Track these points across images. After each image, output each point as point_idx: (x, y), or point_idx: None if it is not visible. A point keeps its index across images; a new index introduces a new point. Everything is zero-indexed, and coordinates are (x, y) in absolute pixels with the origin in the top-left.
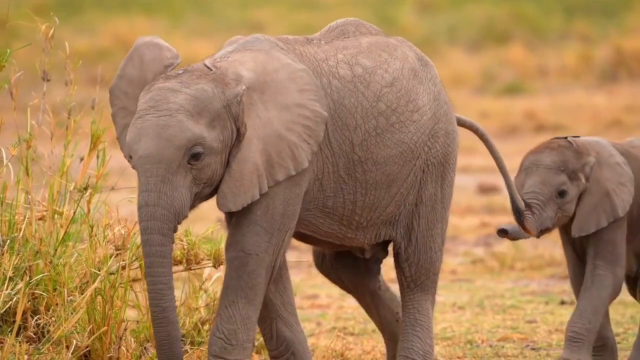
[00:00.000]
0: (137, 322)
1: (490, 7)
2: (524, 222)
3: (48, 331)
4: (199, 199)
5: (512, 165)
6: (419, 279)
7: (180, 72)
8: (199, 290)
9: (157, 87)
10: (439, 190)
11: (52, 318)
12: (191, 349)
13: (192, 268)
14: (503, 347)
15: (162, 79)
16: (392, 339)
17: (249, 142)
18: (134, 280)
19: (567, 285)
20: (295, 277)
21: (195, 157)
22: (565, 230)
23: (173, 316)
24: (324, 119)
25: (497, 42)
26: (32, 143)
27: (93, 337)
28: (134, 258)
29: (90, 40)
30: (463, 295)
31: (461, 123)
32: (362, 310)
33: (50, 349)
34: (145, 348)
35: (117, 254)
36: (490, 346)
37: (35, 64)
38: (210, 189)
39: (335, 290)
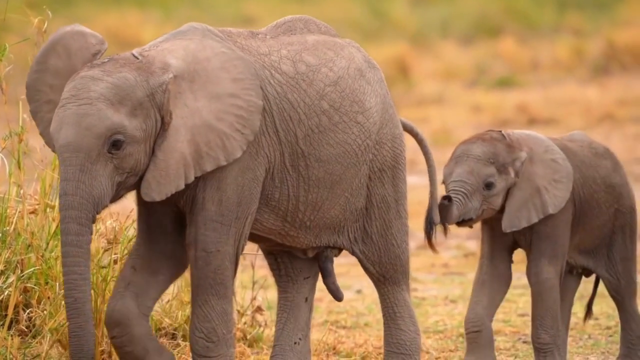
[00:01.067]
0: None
1: (482, 0)
2: (430, 238)
3: (40, 325)
4: (123, 188)
5: None
6: (387, 274)
7: (106, 60)
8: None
9: (80, 75)
10: (391, 192)
11: (44, 311)
12: (183, 342)
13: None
14: (495, 340)
15: (87, 68)
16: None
17: (176, 131)
18: None
19: None
20: None
21: (116, 145)
22: (490, 225)
23: (85, 308)
24: (259, 108)
25: (489, 35)
26: (24, 137)
27: None
28: (125, 252)
29: None
30: (455, 289)
31: (402, 126)
32: (354, 304)
33: (42, 342)
34: None
35: (108, 248)
36: None
37: (27, 57)
38: (135, 179)
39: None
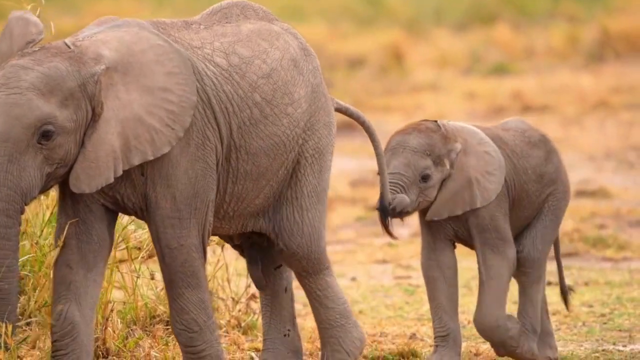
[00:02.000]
0: (124, 303)
1: None
2: (387, 225)
3: (34, 312)
4: (53, 179)
5: None
6: (309, 264)
7: (37, 49)
8: None
9: (10, 64)
10: (318, 180)
11: (39, 299)
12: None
13: None
14: None
15: (18, 56)
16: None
17: (106, 123)
18: (120, 261)
19: (552, 267)
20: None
21: (46, 136)
22: (425, 214)
23: (12, 299)
24: (192, 104)
25: (483, 22)
26: None
27: None
28: (120, 239)
29: (76, 21)
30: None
31: (348, 113)
32: (349, 291)
33: (37, 329)
34: (131, 329)
35: None
36: None
37: None
38: (65, 169)
39: None
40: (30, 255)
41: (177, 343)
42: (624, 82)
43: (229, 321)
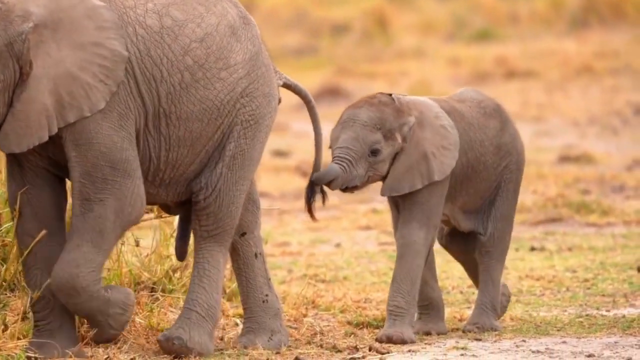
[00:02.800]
0: (108, 269)
1: None
2: (309, 206)
3: (18, 279)
4: None
5: None
6: (215, 230)
7: None
8: (170, 237)
9: None
10: (250, 148)
11: (21, 266)
12: (162, 296)
13: (163, 216)
14: (473, 293)
15: None
16: None
17: (37, 81)
18: None
19: (537, 232)
20: (266, 225)
21: None
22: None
23: None
24: (124, 59)
25: None
26: None
27: None
28: None
29: None
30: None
31: (297, 90)
32: (333, 257)
33: (19, 296)
34: None
35: None
36: (461, 292)
37: None
38: None
39: (306, 238)
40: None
41: (161, 310)
42: (608, 47)
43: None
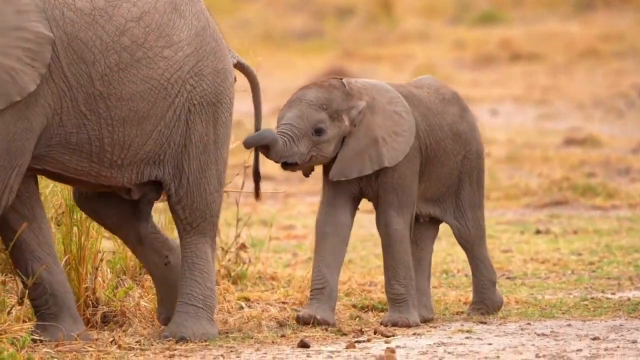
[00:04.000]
0: (114, 252)
1: None
2: (257, 189)
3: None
4: None
5: (488, 93)
6: (195, 221)
7: None
8: None
9: None
10: (211, 131)
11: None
12: None
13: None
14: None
15: None
16: (162, 283)
17: None
18: None
19: (542, 215)
20: (271, 208)
21: None
22: (326, 172)
23: None
24: (49, 40)
25: None
26: None
27: (68, 267)
28: None
29: None
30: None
31: (243, 68)
32: None
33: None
34: (121, 279)
35: None
36: (466, 275)
37: None
38: None
39: (312, 221)
40: None
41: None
42: (613, 30)
43: (218, 271)
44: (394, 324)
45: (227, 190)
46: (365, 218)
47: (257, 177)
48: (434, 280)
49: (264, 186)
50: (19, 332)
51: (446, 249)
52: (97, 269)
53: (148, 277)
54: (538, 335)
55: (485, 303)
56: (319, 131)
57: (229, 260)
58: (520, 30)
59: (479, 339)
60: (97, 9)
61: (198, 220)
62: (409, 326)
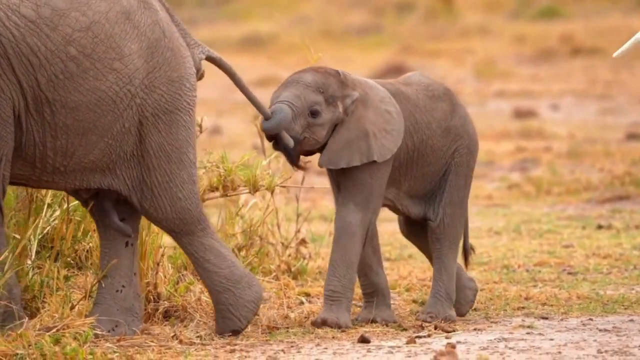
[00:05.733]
0: (175, 248)
1: None
2: (293, 160)
3: (86, 257)
4: None
5: (549, 88)
6: (177, 228)
7: None
8: (235, 216)
9: None
10: (170, 139)
11: (90, 244)
12: None
13: (229, 194)
14: (540, 271)
15: None
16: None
17: None
18: None
19: (604, 210)
20: (331, 204)
21: None
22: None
23: None
24: None
25: None
26: None
27: None
28: None
29: None
30: (499, 221)
31: (215, 61)
32: (398, 236)
33: (88, 274)
34: (182, 274)
35: None
36: (527, 271)
37: None
38: None
39: None
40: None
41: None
42: None
43: (278, 266)
44: (324, 321)
45: (286, 186)
46: None
47: (285, 150)
48: (494, 276)
49: (324, 182)
50: (82, 326)
51: (507, 244)
52: (158, 264)
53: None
54: (600, 330)
55: (436, 314)
56: (314, 113)
57: (289, 255)
58: (581, 24)
59: (540, 334)
60: (43, 17)
61: (180, 227)
62: (339, 326)
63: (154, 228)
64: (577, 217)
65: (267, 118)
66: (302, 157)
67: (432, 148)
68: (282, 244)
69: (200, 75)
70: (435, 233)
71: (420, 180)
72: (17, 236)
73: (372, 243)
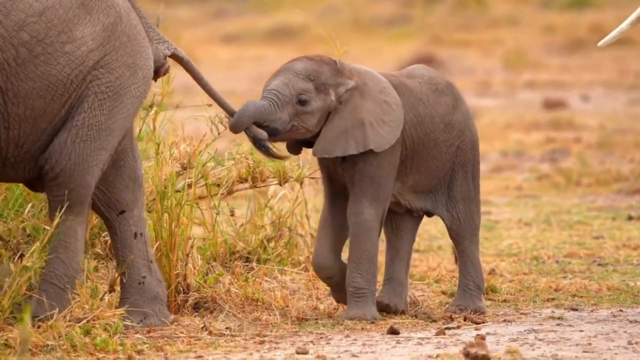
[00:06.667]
0: (204, 239)
1: None
2: (269, 154)
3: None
4: None
5: (579, 79)
6: (67, 194)
7: None
8: (264, 207)
9: None
10: (108, 119)
11: None
12: (257, 266)
13: (258, 186)
14: (569, 263)
15: None
16: None
17: None
18: (200, 197)
19: (634, 201)
20: None
21: None
22: (326, 166)
23: None
24: None
25: None
26: None
27: (160, 254)
28: (199, 176)
29: None
30: (529, 212)
31: (180, 60)
32: (427, 227)
33: (111, 266)
34: (211, 265)
35: (183, 172)
36: (557, 262)
37: None
38: None
39: None
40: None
41: (256, 279)
42: None
43: (307, 257)
44: (351, 320)
45: (315, 177)
46: None
47: (257, 142)
48: (524, 267)
49: None
50: (112, 317)
51: (537, 235)
52: (187, 255)
53: (238, 263)
54: (630, 322)
55: (465, 306)
56: (302, 101)
57: None
58: (611, 14)
59: (570, 325)
60: None
61: (72, 200)
62: (367, 321)
63: (183, 219)
64: (607, 208)
65: (232, 116)
66: (300, 148)
67: (436, 142)
68: (311, 235)
69: (164, 71)
70: (453, 230)
71: (424, 175)
72: (47, 227)
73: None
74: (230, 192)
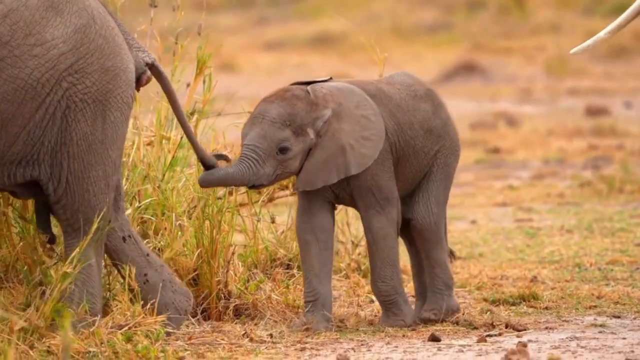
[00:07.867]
0: (245, 246)
1: None
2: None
3: (157, 255)
4: None
5: (622, 86)
6: (77, 223)
7: None
8: None
9: None
10: (98, 130)
11: (161, 242)
12: (298, 273)
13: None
14: (612, 270)
15: None
16: None
17: None
18: (241, 204)
19: None
20: None
21: None
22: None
23: None
24: None
25: None
26: None
27: (201, 260)
28: None
29: None
30: (571, 219)
31: (155, 70)
32: (469, 234)
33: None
34: (252, 272)
35: None
36: (599, 269)
37: None
38: None
39: None
40: (153, 199)
41: (297, 286)
42: None
43: (349, 264)
44: (391, 327)
45: None
46: (496, 211)
47: (205, 165)
48: (566, 274)
49: None
50: (153, 324)
51: (579, 243)
52: (229, 262)
53: (279, 270)
54: None
55: (438, 307)
56: (283, 150)
57: (359, 254)
58: None
59: (612, 333)
60: None
61: (79, 223)
62: (406, 326)
63: (224, 226)
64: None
65: (206, 168)
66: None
67: (414, 149)
68: (352, 242)
69: (146, 79)
70: (423, 233)
71: (405, 181)
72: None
73: (326, 254)
74: (271, 199)
